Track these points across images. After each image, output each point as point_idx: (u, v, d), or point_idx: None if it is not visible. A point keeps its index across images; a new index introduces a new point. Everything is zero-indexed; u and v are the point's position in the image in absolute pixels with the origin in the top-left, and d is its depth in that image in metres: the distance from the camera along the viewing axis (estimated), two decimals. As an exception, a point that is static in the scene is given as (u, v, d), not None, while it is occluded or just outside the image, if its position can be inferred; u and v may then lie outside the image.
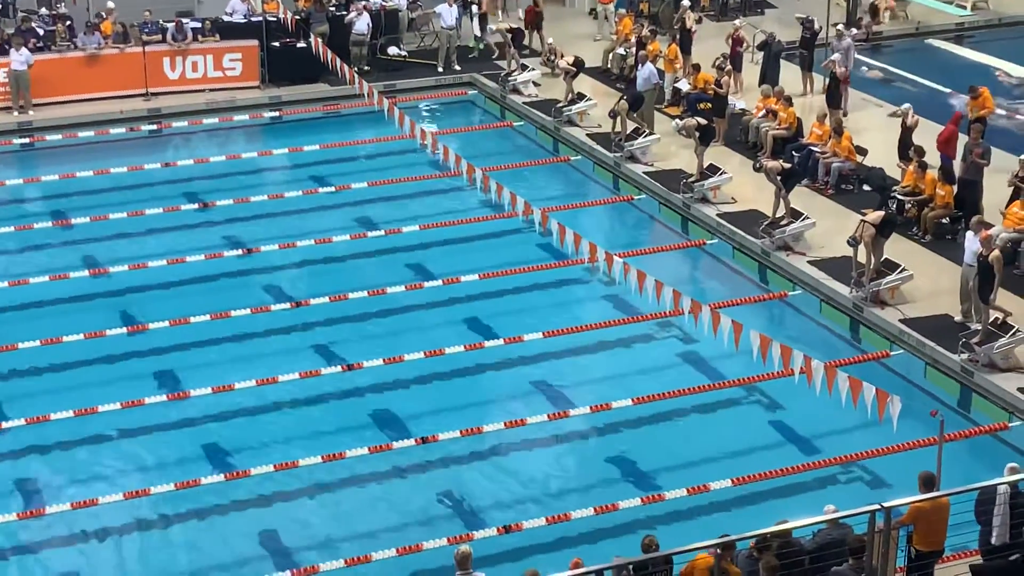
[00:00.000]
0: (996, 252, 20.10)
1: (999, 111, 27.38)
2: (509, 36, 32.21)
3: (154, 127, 30.53)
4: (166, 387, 20.33)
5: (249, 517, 17.63)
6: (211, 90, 31.50)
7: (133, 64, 30.88)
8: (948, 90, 31.48)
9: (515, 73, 31.85)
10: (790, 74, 30.76)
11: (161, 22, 31.52)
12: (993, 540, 14.22)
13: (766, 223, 24.11)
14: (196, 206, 26.41)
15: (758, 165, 24.40)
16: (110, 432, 19.26)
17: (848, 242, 22.06)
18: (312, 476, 18.20)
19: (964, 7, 37.53)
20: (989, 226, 22.21)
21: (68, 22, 31.20)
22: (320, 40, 31.22)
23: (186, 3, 33.61)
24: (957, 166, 24.71)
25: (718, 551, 13.19)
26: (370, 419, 19.80)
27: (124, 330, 21.72)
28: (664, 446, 19.10)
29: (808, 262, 23.36)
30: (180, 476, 18.03)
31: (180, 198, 26.78)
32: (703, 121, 26.42)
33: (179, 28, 31.31)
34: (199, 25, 31.72)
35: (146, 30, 31.27)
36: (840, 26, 31.13)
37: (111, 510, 17.46)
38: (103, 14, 31.45)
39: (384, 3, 33.76)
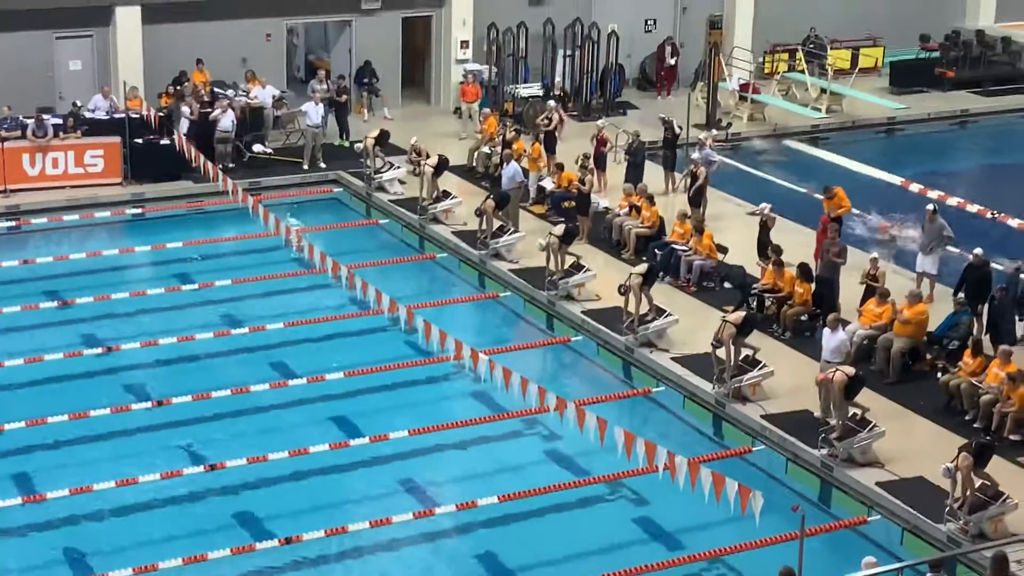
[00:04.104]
0: (838, 375, 20.53)
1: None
2: (372, 142, 32.03)
3: (13, 224, 30.02)
4: (22, 489, 19.82)
5: (107, 622, 17.25)
6: (72, 187, 31.08)
7: (-9, 160, 30.47)
8: (804, 190, 32.25)
9: (381, 171, 31.93)
10: (653, 174, 31.28)
11: (21, 118, 31.12)
12: None
13: (629, 320, 24.37)
14: (56, 304, 25.97)
15: (623, 289, 24.38)
16: (-37, 536, 18.77)
17: (712, 344, 22.35)
18: (173, 579, 17.86)
19: (819, 110, 38.60)
20: (846, 323, 22.75)
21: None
22: (184, 137, 31.06)
23: (47, 99, 33.22)
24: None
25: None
26: (233, 519, 19.49)
27: (-22, 431, 21.22)
28: (530, 543, 19.06)
29: (671, 358, 23.63)
30: (36, 581, 17.61)
31: (39, 296, 26.28)
32: (562, 230, 26.43)
33: (39, 124, 30.92)
34: (60, 121, 31.36)
35: (5, 126, 30.85)
36: (701, 135, 31.84)
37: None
38: None
39: (249, 100, 33.75)
